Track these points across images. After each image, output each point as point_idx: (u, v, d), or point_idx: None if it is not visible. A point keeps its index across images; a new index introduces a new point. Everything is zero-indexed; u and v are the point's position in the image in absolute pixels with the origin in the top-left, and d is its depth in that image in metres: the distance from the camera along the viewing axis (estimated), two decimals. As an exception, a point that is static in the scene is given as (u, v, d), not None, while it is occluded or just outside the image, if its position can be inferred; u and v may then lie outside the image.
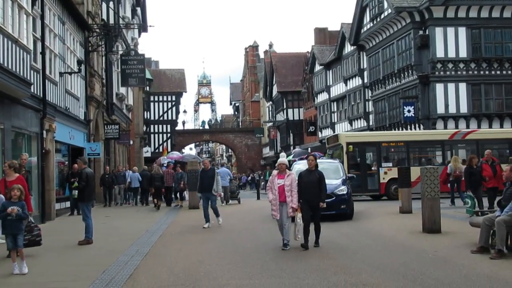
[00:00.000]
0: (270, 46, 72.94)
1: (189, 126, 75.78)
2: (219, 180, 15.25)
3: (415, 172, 19.64)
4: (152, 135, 54.35)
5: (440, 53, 29.36)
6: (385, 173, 24.57)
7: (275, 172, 10.92)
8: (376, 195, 25.03)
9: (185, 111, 70.92)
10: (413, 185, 19.27)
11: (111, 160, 29.28)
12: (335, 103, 45.18)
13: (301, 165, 15.47)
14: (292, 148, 54.04)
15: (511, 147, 25.06)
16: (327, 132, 43.75)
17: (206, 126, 77.89)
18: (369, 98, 37.46)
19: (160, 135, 55.43)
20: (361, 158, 25.50)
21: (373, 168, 25.21)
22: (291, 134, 57.21)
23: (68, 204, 20.49)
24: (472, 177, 15.48)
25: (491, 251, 9.11)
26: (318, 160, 17.46)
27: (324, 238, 10.94)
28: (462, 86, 29.42)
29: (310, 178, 10.63)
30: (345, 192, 15.38)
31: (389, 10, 31.84)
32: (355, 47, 39.04)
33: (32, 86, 15.80)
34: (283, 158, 11.43)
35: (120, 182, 25.89)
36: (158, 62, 72.38)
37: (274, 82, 60.28)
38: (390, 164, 24.89)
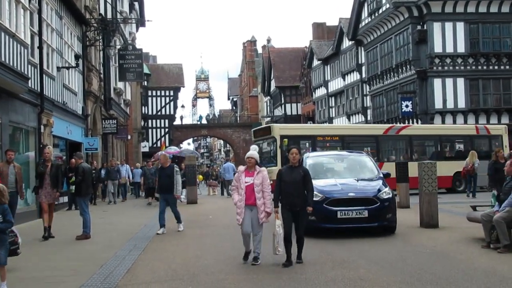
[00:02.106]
0: (268, 41, 72.85)
1: (187, 121, 75.84)
2: (178, 179, 12.74)
3: None
4: (150, 130, 54.32)
5: (438, 48, 29.36)
6: None
7: (242, 168, 8.94)
8: None
9: (183, 106, 71.11)
10: None
11: (109, 155, 29.25)
12: (333, 98, 45.19)
13: (314, 159, 13.14)
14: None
15: (441, 144, 24.69)
16: (325, 127, 43.73)
17: (204, 121, 77.85)
18: (367, 93, 37.48)
19: (158, 130, 55.38)
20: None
21: None
22: (289, 129, 57.14)
23: (65, 199, 20.47)
24: (498, 173, 13.20)
25: (491, 246, 9.16)
26: (339, 153, 14.70)
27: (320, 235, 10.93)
28: (460, 81, 29.45)
29: (293, 177, 8.45)
30: (390, 196, 11.31)
31: (387, 5, 31.82)
32: (353, 42, 39.03)
33: (29, 81, 15.77)
34: (253, 151, 9.06)
35: (114, 177, 23.63)
36: (156, 57, 72.32)
37: (272, 77, 60.25)
38: None
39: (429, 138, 24.80)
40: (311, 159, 13.04)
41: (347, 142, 23.37)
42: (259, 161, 9.08)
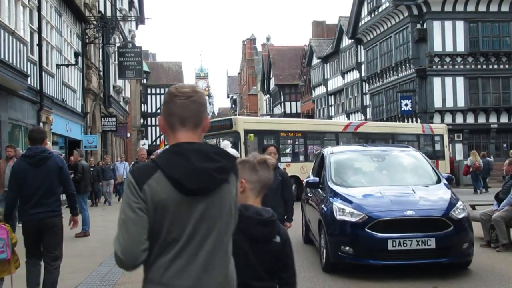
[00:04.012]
0: (268, 39, 72.87)
1: (186, 119, 75.59)
2: None
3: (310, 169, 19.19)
4: (149, 128, 54.33)
5: (437, 47, 29.34)
6: (284, 169, 20.59)
7: None
8: None
9: (182, 104, 70.81)
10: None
11: (108, 152, 29.25)
12: (332, 96, 45.17)
13: (340, 157, 9.23)
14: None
15: (393, 141, 23.07)
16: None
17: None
18: (367, 91, 37.46)
19: (157, 127, 55.24)
20: (261, 151, 20.67)
21: None
22: (288, 128, 57.14)
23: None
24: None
25: (491, 245, 9.19)
26: (376, 147, 10.97)
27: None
28: (460, 80, 29.42)
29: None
30: (466, 215, 7.56)
31: (387, 4, 31.79)
32: (352, 40, 39.01)
33: (29, 78, 15.77)
34: (231, 150, 7.06)
35: (108, 177, 21.22)
36: (156, 55, 72.38)
37: (271, 75, 60.22)
38: (289, 159, 21.02)
39: (383, 136, 23.41)
40: (335, 156, 9.07)
41: (310, 139, 22.01)
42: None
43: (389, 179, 8.71)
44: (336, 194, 7.87)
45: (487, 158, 24.18)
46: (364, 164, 9.37)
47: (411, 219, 7.15)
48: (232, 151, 6.45)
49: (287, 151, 21.72)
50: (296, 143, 22.13)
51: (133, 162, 12.25)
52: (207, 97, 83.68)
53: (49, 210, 6.00)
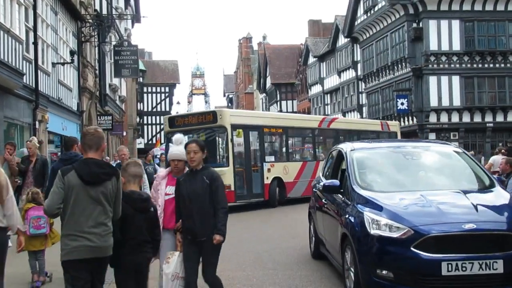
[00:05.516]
0: (264, 38, 72.90)
1: (183, 117, 75.59)
2: (145, 179, 9.55)
3: (293, 169, 18.64)
4: (145, 127, 54.30)
5: (433, 46, 29.39)
6: (268, 170, 17.87)
7: (163, 172, 6.06)
8: (260, 202, 17.85)
9: (178, 103, 70.73)
10: (289, 190, 18.29)
11: (104, 151, 29.18)
12: (328, 95, 45.22)
13: (364, 154, 7.62)
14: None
15: (359, 138, 21.32)
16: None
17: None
18: (363, 90, 37.51)
19: (154, 126, 55.33)
20: (246, 148, 17.58)
21: (257, 164, 17.94)
22: (284, 126, 57.12)
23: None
24: None
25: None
26: (407, 143, 8.89)
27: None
28: (455, 79, 29.48)
29: (194, 187, 5.34)
30: None
31: (383, 3, 31.83)
32: (349, 39, 39.05)
33: (24, 77, 15.73)
34: (179, 147, 5.64)
35: None
36: (152, 53, 72.24)
37: (267, 74, 60.23)
38: (273, 158, 18.65)
39: (352, 132, 22.30)
40: (358, 154, 7.41)
41: (291, 136, 20.27)
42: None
43: (430, 182, 6.89)
44: (365, 201, 6.18)
45: (478, 155, 24.09)
46: (395, 163, 7.42)
47: (471, 234, 5.47)
48: (182, 152, 5.50)
49: (273, 150, 19.55)
50: (281, 140, 19.84)
51: (115, 164, 10.65)
52: (203, 96, 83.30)
53: None
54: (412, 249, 5.41)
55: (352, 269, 6.00)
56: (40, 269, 7.28)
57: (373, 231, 5.68)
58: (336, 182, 7.15)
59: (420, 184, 6.77)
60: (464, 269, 5.31)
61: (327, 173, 8.47)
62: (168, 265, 5.33)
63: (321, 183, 7.79)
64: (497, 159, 13.30)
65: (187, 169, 5.59)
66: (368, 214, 5.84)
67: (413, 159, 7.45)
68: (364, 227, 5.78)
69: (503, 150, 15.46)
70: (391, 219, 5.65)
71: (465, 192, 6.27)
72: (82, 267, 4.40)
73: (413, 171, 7.27)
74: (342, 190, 6.94)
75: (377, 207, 5.94)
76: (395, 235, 5.53)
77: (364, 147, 8.07)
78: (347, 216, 6.30)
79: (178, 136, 5.76)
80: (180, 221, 5.42)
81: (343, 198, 6.79)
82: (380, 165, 7.38)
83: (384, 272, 5.54)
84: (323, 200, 7.77)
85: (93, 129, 4.69)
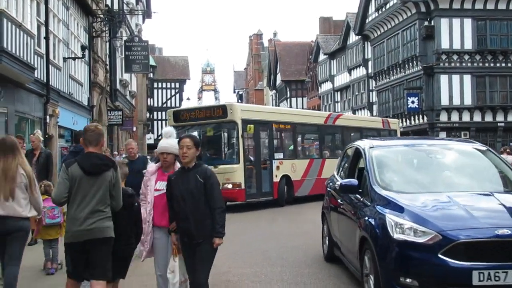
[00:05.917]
0: (275, 34, 72.75)
1: (192, 113, 75.63)
2: None
3: (301, 167, 18.34)
4: (155, 122, 54.40)
5: (445, 44, 29.23)
6: (277, 167, 17.50)
7: (153, 167, 5.74)
8: (269, 200, 17.50)
9: (188, 99, 70.88)
10: (296, 189, 18.04)
11: (114, 146, 29.29)
12: (338, 93, 45.11)
13: (383, 152, 7.12)
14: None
15: (361, 135, 20.86)
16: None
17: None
18: (373, 88, 37.39)
19: (163, 122, 55.39)
20: (257, 144, 17.30)
21: (266, 161, 17.47)
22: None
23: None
24: None
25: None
26: (428, 141, 8.49)
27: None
28: (467, 78, 29.31)
29: (187, 186, 5.09)
30: None
31: (395, 0, 31.69)
32: (359, 37, 38.91)
33: (35, 71, 15.79)
34: (170, 141, 5.54)
35: None
36: (162, 49, 72.30)
37: (278, 71, 60.18)
38: (281, 156, 18.20)
39: (356, 129, 21.89)
40: (378, 151, 6.99)
41: (300, 132, 19.75)
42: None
43: (455, 182, 6.44)
44: (387, 202, 5.82)
45: None
46: (418, 162, 7.09)
47: (506, 241, 5.04)
48: (173, 144, 5.41)
49: (283, 147, 18.96)
50: (289, 137, 19.40)
51: (122, 157, 10.27)
52: (213, 92, 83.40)
53: None
54: (440, 256, 5.02)
55: (372, 276, 5.61)
56: (53, 257, 7.84)
57: (396, 235, 5.29)
58: (355, 181, 6.75)
59: (445, 184, 6.37)
60: (497, 279, 4.92)
61: (343, 172, 8.06)
62: (174, 274, 5.24)
63: (338, 183, 7.36)
64: None
65: (178, 165, 5.39)
66: (391, 217, 5.46)
67: (437, 158, 7.00)
68: (386, 231, 5.41)
69: (508, 150, 15.35)
70: (416, 222, 5.26)
71: (495, 194, 5.86)
72: (78, 249, 4.97)
73: (436, 171, 6.81)
74: (360, 190, 6.57)
75: (400, 209, 5.56)
76: (420, 240, 5.14)
77: (384, 145, 7.62)
78: (366, 218, 5.92)
79: (168, 129, 5.63)
80: (175, 222, 5.21)
81: (361, 199, 6.42)
82: (401, 163, 7.00)
83: (408, 280, 5.17)
84: (339, 201, 7.39)
85: (93, 126, 5.19)
